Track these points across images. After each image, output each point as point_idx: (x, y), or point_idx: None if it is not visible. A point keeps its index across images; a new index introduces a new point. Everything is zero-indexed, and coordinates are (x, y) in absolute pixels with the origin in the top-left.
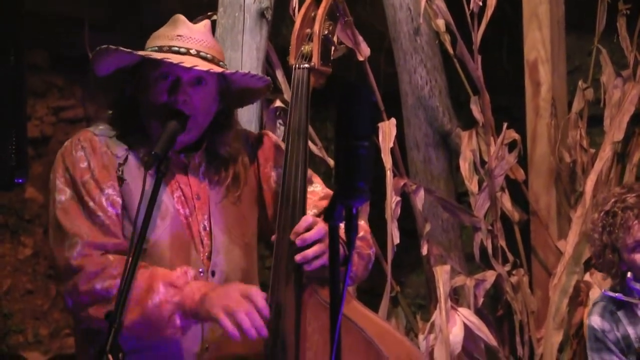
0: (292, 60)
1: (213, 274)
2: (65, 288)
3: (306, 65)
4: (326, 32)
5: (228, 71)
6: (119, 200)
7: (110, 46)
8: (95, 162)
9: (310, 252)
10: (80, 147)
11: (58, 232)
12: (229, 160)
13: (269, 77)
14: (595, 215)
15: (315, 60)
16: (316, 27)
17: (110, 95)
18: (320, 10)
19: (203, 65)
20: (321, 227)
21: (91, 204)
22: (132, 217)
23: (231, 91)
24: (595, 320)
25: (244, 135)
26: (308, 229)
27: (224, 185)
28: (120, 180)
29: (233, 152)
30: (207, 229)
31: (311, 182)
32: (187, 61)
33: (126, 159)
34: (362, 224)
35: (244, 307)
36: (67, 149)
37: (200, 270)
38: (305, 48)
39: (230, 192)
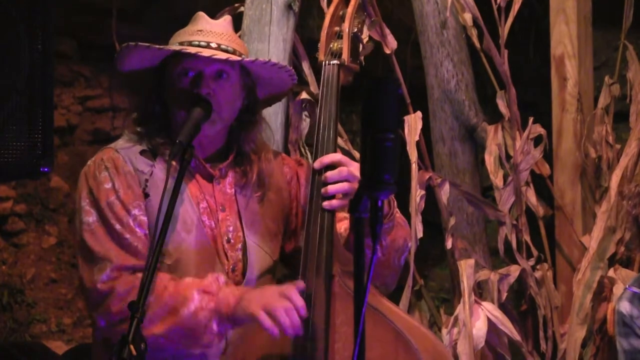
0: (321, 57)
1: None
2: (97, 311)
3: (336, 62)
4: (355, 29)
5: (247, 59)
6: (146, 219)
7: (130, 43)
8: (120, 183)
9: (331, 188)
10: (103, 168)
11: (86, 255)
12: (254, 157)
13: (291, 68)
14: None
15: (345, 56)
16: (346, 25)
17: (137, 96)
18: (350, 9)
19: (221, 55)
20: (344, 169)
21: (117, 226)
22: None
23: (256, 87)
24: (625, 306)
25: (277, 154)
26: (332, 165)
27: (251, 185)
28: (146, 195)
29: (258, 149)
30: (232, 241)
31: None
32: (205, 52)
33: (151, 173)
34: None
35: (282, 304)
36: (90, 170)
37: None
38: (335, 45)
39: (255, 191)
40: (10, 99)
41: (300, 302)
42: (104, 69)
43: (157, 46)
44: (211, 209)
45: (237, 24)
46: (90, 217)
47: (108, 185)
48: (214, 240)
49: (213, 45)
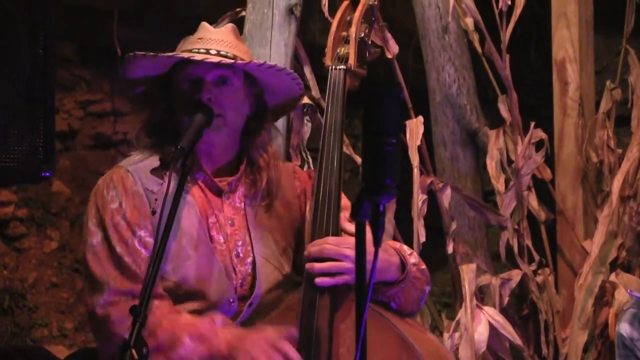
0: (328, 62)
1: (250, 305)
2: (99, 339)
3: (342, 67)
4: (362, 35)
5: (239, 62)
6: (152, 240)
7: (129, 54)
8: (127, 203)
9: (320, 266)
10: (112, 187)
11: (88, 277)
12: (264, 165)
13: (293, 71)
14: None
15: (351, 61)
16: (353, 30)
17: (145, 106)
18: (357, 14)
19: (214, 59)
20: (332, 265)
21: (118, 248)
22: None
23: (264, 94)
24: (625, 328)
25: (289, 166)
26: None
27: (260, 194)
28: (153, 212)
29: (267, 157)
30: (241, 255)
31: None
32: (198, 56)
33: (162, 194)
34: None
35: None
36: (99, 189)
37: (232, 299)
38: (342, 50)
39: (264, 200)
40: (12, 103)
41: (293, 354)
42: (105, 72)
43: (157, 54)
44: (220, 223)
45: (238, 28)
46: (95, 239)
47: (114, 205)
48: (222, 255)
49: (212, 52)
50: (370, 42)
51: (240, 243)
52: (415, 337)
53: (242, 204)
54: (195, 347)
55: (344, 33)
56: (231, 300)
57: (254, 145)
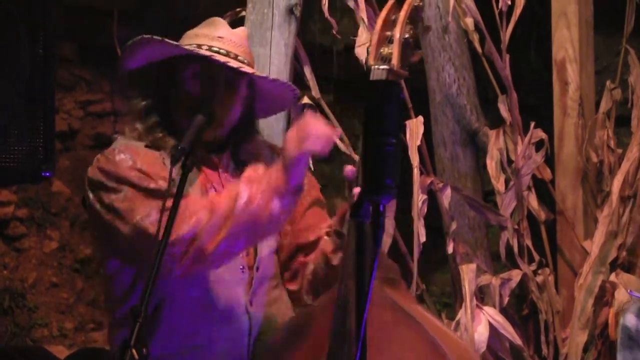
0: (371, 61)
1: (257, 269)
2: (167, 254)
3: (385, 67)
4: (407, 35)
5: (261, 75)
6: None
7: (155, 37)
8: (141, 161)
9: None
10: (118, 151)
11: (121, 218)
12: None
13: (296, 88)
14: None
15: (394, 62)
16: (397, 30)
17: (141, 90)
18: (402, 14)
19: (247, 69)
20: None
21: (152, 185)
22: None
23: (255, 100)
24: (630, 320)
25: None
26: None
27: None
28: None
29: (254, 157)
30: None
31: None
32: (233, 63)
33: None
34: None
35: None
36: (100, 161)
37: (242, 266)
38: (385, 50)
39: None
40: (12, 103)
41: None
42: (105, 72)
43: (186, 47)
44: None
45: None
46: (115, 195)
47: (128, 164)
48: None
49: (232, 55)
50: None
51: None
52: (444, 339)
53: (235, 179)
54: (253, 188)
55: (388, 33)
56: (241, 267)
57: (241, 146)
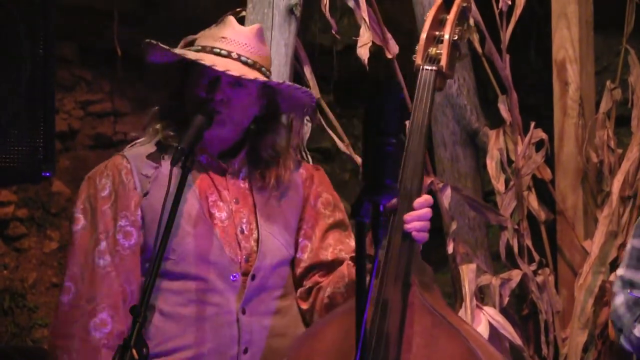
0: (418, 61)
1: (253, 277)
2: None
3: (434, 68)
4: (455, 37)
5: (260, 79)
6: (132, 230)
7: (152, 41)
8: (118, 190)
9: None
10: (105, 175)
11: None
12: (272, 163)
13: (307, 89)
14: None
15: (443, 63)
16: (447, 31)
17: (162, 89)
18: (452, 15)
19: (236, 70)
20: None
21: (103, 243)
22: (157, 220)
23: (277, 96)
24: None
25: (299, 163)
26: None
27: (269, 188)
28: (145, 194)
29: (276, 155)
30: (246, 232)
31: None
32: (221, 64)
33: (156, 177)
34: None
35: None
36: (93, 175)
37: (234, 275)
38: (433, 50)
39: (273, 194)
40: (12, 103)
41: None
42: (105, 72)
43: (177, 50)
44: (223, 200)
45: None
46: (77, 225)
47: (105, 193)
48: (224, 231)
49: (234, 55)
50: (461, 44)
51: (245, 220)
52: (483, 350)
53: (247, 185)
54: None
55: (437, 32)
56: (232, 278)
57: (262, 143)
